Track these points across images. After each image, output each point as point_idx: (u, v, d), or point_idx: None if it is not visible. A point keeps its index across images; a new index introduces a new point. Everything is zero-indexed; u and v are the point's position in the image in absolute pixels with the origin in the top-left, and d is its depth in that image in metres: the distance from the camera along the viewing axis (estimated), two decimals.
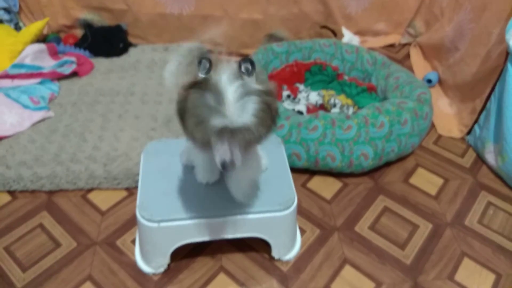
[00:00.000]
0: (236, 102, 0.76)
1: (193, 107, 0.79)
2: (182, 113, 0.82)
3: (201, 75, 0.80)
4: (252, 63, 0.79)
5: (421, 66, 2.11)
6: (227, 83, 0.76)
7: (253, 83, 0.79)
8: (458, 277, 1.24)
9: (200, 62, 0.80)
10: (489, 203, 1.47)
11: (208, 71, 0.79)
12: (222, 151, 0.80)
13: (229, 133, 0.78)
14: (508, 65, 1.46)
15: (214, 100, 0.76)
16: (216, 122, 0.76)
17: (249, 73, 0.79)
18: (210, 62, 0.80)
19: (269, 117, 0.81)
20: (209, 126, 0.77)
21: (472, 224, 1.40)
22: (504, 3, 1.56)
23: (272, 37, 2.15)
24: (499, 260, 1.29)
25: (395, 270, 1.25)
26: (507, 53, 1.49)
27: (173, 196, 1.12)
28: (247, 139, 0.81)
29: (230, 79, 0.77)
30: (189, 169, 1.19)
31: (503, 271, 1.26)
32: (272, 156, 1.23)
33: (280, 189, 1.16)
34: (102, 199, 1.42)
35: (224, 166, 0.81)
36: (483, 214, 1.43)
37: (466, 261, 1.29)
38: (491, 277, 1.25)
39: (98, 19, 2.08)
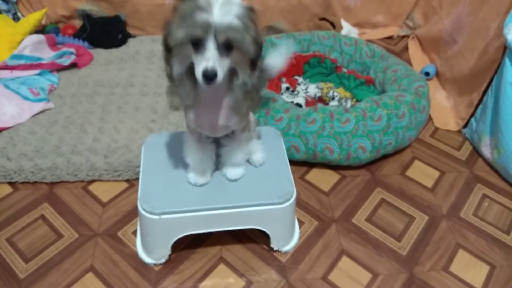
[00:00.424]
0: (221, 7, 0.78)
1: (181, 14, 0.81)
2: (168, 35, 0.83)
3: None
4: None
5: (419, 59, 2.12)
6: (213, 2, 0.79)
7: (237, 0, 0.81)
8: (453, 268, 1.27)
9: None
10: (484, 196, 1.50)
11: None
12: (205, 57, 0.80)
13: (212, 30, 0.79)
14: (506, 59, 1.47)
15: (201, 8, 0.78)
16: (201, 17, 0.78)
17: None
18: None
19: (252, 29, 0.83)
20: (194, 21, 0.78)
21: (468, 216, 1.42)
22: None
23: (272, 29, 2.15)
24: (494, 252, 1.32)
25: (391, 261, 1.28)
26: (505, 48, 1.50)
27: (174, 189, 1.14)
28: (228, 55, 0.82)
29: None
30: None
31: (497, 263, 1.29)
32: (272, 149, 1.25)
33: (279, 182, 1.17)
34: (103, 191, 1.44)
35: (206, 74, 0.80)
36: (478, 207, 1.46)
37: (461, 253, 1.31)
38: (486, 268, 1.28)
39: (96, 10, 2.07)
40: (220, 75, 0.81)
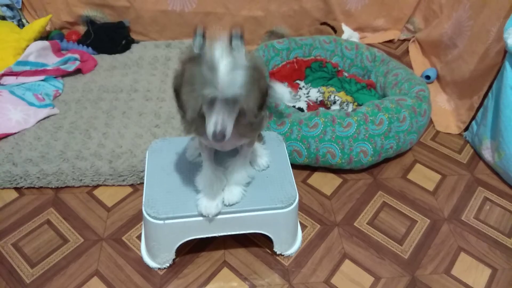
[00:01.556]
0: (226, 76, 0.81)
1: (189, 78, 0.85)
2: (178, 86, 0.89)
3: (196, 51, 0.86)
4: (241, 37, 0.85)
5: (419, 62, 2.14)
6: (219, 58, 0.82)
7: (242, 59, 0.84)
8: (455, 271, 1.28)
9: (195, 39, 0.86)
10: (486, 199, 1.51)
11: (202, 47, 0.86)
12: (213, 121, 0.85)
13: (219, 102, 0.84)
14: (506, 63, 1.48)
15: (208, 73, 0.81)
16: (208, 92, 0.82)
17: (238, 48, 0.85)
18: (203, 38, 0.86)
19: (256, 90, 0.87)
20: (202, 95, 0.83)
21: (469, 220, 1.43)
22: (502, 1, 1.58)
23: (273, 34, 2.17)
24: (495, 255, 1.33)
25: (393, 265, 1.29)
26: (505, 52, 1.51)
27: (178, 194, 1.15)
28: (235, 108, 0.86)
29: (222, 55, 0.82)
30: (192, 166, 1.22)
31: (499, 266, 1.30)
32: (274, 154, 1.26)
33: (282, 186, 1.19)
34: (108, 196, 1.46)
35: (215, 135, 0.85)
36: (479, 210, 1.47)
37: (462, 256, 1.32)
38: (487, 271, 1.29)
39: (100, 16, 2.10)
40: (229, 132, 0.86)
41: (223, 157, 1.18)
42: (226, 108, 0.85)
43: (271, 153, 1.25)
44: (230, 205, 1.13)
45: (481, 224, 1.42)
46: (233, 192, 1.14)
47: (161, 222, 1.11)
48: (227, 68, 0.81)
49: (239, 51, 0.84)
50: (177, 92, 0.90)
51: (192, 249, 1.30)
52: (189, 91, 0.85)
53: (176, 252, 1.21)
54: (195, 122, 0.93)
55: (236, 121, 0.89)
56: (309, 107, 1.75)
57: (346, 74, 1.89)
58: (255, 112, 0.90)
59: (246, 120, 0.91)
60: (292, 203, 1.16)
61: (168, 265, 1.24)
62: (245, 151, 1.11)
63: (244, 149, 1.10)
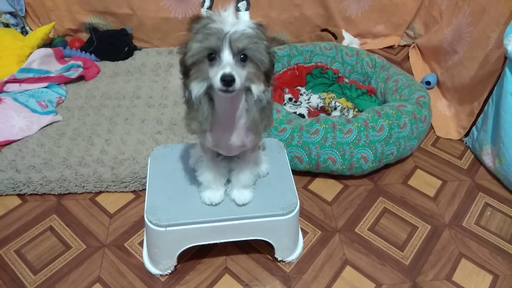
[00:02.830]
0: (234, 26, 0.83)
1: (195, 27, 0.86)
2: (185, 45, 0.88)
3: (204, 10, 0.90)
4: (247, 1, 0.89)
5: (420, 68, 2.15)
6: (226, 13, 0.84)
7: (247, 17, 0.87)
8: (456, 277, 1.28)
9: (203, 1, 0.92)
10: (487, 205, 1.51)
11: (210, 7, 0.90)
12: (222, 64, 0.83)
13: (227, 39, 0.82)
14: (506, 69, 1.49)
15: (216, 26, 0.83)
16: (215, 27, 0.83)
17: (245, 9, 0.89)
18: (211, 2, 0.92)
19: (262, 49, 0.86)
20: (209, 32, 0.83)
21: (470, 225, 1.44)
22: (502, 7, 1.59)
23: (274, 41, 2.18)
24: (497, 261, 1.33)
25: (395, 271, 1.29)
26: (505, 58, 1.52)
27: (180, 201, 1.16)
28: (245, 47, 0.84)
29: (229, 12, 0.85)
30: (194, 173, 1.22)
31: (500, 272, 1.30)
32: (275, 161, 1.27)
33: (283, 193, 1.19)
34: (110, 202, 1.47)
35: (224, 79, 0.82)
36: (480, 216, 1.47)
37: (463, 262, 1.32)
38: (489, 278, 1.29)
39: (103, 23, 2.12)
40: (238, 81, 0.83)
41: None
42: (234, 61, 0.84)
43: (272, 160, 1.26)
44: (243, 205, 1.15)
45: (482, 230, 1.42)
46: (243, 193, 1.15)
47: (163, 229, 1.11)
48: (234, 21, 0.83)
49: (245, 14, 0.88)
50: (185, 68, 0.89)
51: (193, 255, 1.30)
52: (194, 40, 0.85)
53: (177, 258, 1.22)
54: (201, 110, 0.91)
55: (245, 103, 0.91)
56: (310, 113, 1.76)
57: (346, 80, 1.90)
58: (262, 81, 0.89)
59: (255, 96, 0.90)
60: (293, 210, 1.17)
61: (170, 271, 1.25)
62: (249, 156, 1.11)
63: (248, 154, 1.10)
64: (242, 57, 0.84)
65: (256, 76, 0.89)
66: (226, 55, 0.83)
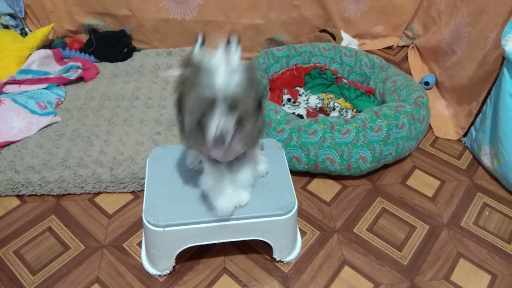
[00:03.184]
0: (224, 76, 0.86)
1: (189, 85, 0.89)
2: (180, 94, 0.93)
3: (196, 50, 0.95)
4: (238, 42, 0.92)
5: (418, 68, 2.15)
6: (217, 62, 0.87)
7: (238, 61, 0.89)
8: (454, 277, 1.28)
9: (195, 46, 0.97)
10: (485, 205, 1.51)
11: (201, 53, 0.93)
12: (214, 124, 0.87)
13: (219, 105, 0.86)
14: (504, 69, 1.49)
15: (207, 76, 0.86)
16: (208, 93, 0.86)
17: (235, 52, 0.91)
18: (203, 45, 0.95)
19: (252, 91, 0.90)
20: (202, 97, 0.86)
21: (468, 225, 1.44)
22: (500, 8, 1.59)
23: (273, 41, 2.19)
24: (495, 261, 1.33)
25: (393, 271, 1.29)
26: (503, 58, 1.52)
27: (178, 201, 1.16)
28: (235, 112, 0.88)
29: (220, 59, 0.88)
30: (193, 174, 1.23)
31: (498, 272, 1.30)
32: (273, 161, 1.27)
33: (281, 193, 1.20)
34: (109, 203, 1.47)
35: (216, 139, 0.87)
36: (479, 216, 1.47)
37: (462, 262, 1.33)
38: (487, 277, 1.29)
39: (102, 25, 2.12)
40: (229, 136, 0.88)
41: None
42: (225, 111, 0.87)
43: (270, 160, 1.26)
44: (243, 206, 1.15)
45: (480, 230, 1.42)
46: (241, 193, 1.15)
47: (161, 229, 1.12)
48: (225, 70, 0.86)
49: (235, 55, 0.90)
50: (179, 102, 0.93)
51: (192, 256, 1.30)
52: (189, 96, 0.88)
53: (176, 259, 1.22)
54: (193, 136, 0.94)
55: (236, 131, 0.92)
56: (308, 114, 1.76)
57: (345, 80, 1.90)
58: (252, 116, 0.92)
59: (247, 129, 0.93)
60: (291, 210, 1.17)
61: (168, 272, 1.25)
62: (249, 153, 1.12)
63: (248, 151, 1.11)
64: (232, 107, 0.88)
65: (246, 114, 0.91)
66: (218, 115, 0.87)
